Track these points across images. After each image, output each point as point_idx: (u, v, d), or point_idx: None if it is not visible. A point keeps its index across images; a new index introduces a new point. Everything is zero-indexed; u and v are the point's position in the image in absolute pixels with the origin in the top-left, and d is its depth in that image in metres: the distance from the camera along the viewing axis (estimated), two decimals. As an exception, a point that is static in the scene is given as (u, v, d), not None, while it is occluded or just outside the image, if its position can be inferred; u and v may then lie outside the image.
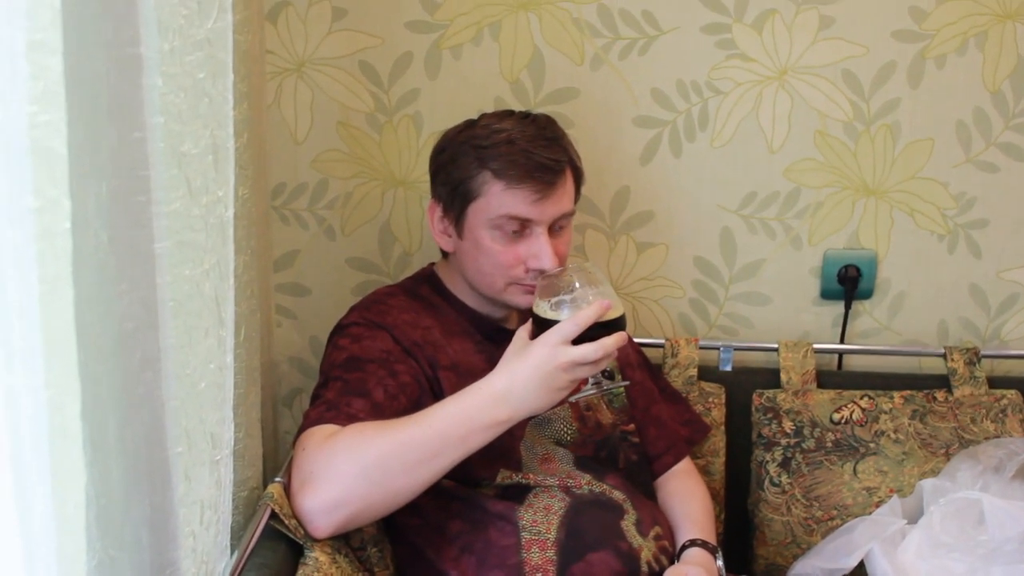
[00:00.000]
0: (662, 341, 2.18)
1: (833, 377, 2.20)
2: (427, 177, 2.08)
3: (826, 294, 2.25)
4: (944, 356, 2.18)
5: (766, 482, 2.09)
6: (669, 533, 1.80)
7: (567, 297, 1.52)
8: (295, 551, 1.52)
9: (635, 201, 2.19)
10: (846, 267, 2.22)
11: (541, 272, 1.66)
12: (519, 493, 1.70)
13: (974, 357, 2.16)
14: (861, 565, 1.90)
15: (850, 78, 2.12)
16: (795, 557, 2.01)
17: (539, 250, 1.69)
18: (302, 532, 1.50)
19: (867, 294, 2.25)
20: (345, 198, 2.18)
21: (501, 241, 1.70)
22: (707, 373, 2.18)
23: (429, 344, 1.73)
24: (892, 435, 2.09)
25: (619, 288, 2.24)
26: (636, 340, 2.11)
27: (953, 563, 1.88)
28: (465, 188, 1.71)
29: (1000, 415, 2.10)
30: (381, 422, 1.52)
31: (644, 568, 1.68)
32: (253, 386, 1.56)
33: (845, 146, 2.16)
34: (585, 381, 1.52)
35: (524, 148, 1.68)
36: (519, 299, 1.74)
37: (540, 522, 1.67)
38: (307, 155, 2.15)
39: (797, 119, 2.14)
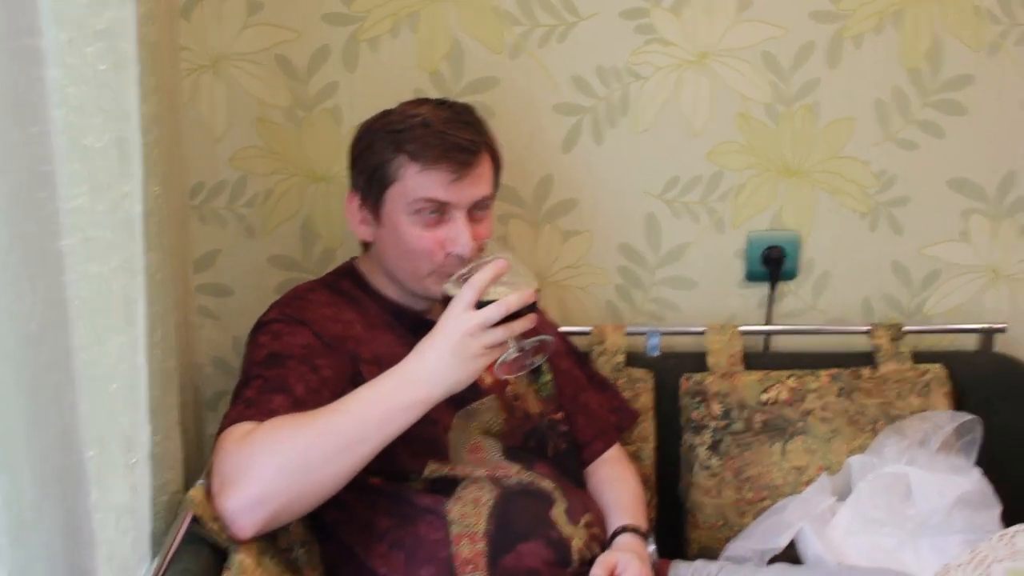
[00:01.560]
0: (589, 329, 2.17)
1: (760, 358, 2.21)
2: (347, 172, 2.07)
3: (751, 276, 2.25)
4: (868, 333, 2.20)
5: (696, 466, 2.09)
6: (600, 520, 1.79)
7: (467, 268, 1.51)
8: (219, 556, 1.48)
9: (558, 189, 2.18)
10: (770, 248, 2.22)
11: (459, 258, 1.65)
12: (447, 486, 1.68)
13: (898, 333, 2.18)
14: (792, 544, 1.91)
15: (770, 60, 2.13)
16: (728, 539, 2.01)
17: (457, 234, 1.68)
18: (225, 535, 1.47)
19: (791, 275, 2.26)
20: (265, 195, 2.14)
21: (420, 226, 1.69)
22: (635, 359, 2.17)
23: (351, 338, 1.71)
24: (820, 413, 2.10)
25: (544, 277, 2.23)
26: (563, 329, 2.10)
27: (883, 538, 1.90)
28: (381, 173, 1.70)
29: (925, 389, 2.12)
30: (298, 415, 1.50)
31: (575, 556, 1.67)
32: (170, 388, 1.52)
33: (766, 127, 2.16)
34: (505, 348, 1.49)
35: (439, 130, 1.68)
36: (439, 288, 1.70)
37: (469, 515, 1.65)
38: (225, 152, 2.12)
39: (718, 102, 2.14)
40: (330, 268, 2.11)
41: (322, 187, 2.14)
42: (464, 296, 1.45)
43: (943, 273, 2.28)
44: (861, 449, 2.06)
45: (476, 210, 1.72)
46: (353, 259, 1.89)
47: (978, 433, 2.01)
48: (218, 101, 2.08)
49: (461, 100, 2.02)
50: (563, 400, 1.92)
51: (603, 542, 1.75)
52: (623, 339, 2.16)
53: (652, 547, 1.77)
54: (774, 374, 2.14)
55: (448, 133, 1.68)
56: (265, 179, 2.14)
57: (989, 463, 2.00)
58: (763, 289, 2.26)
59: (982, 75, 2.16)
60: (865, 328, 2.21)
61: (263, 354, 1.66)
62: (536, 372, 1.88)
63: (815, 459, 2.07)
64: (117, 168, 1.21)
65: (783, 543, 1.90)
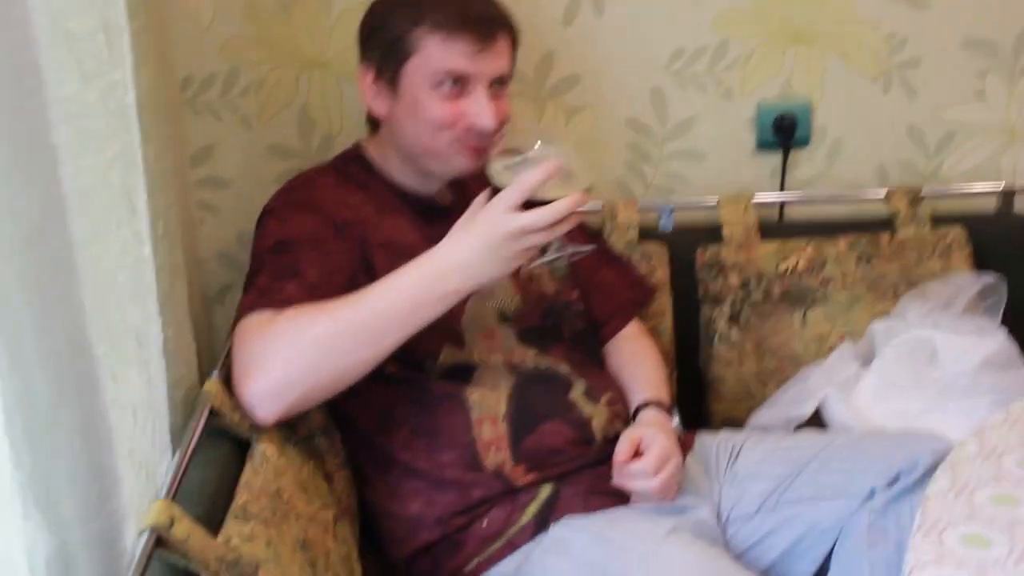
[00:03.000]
0: (599, 206, 2.12)
1: (776, 228, 2.17)
2: (343, 56, 2.02)
3: (762, 145, 2.20)
4: (885, 198, 2.15)
5: (716, 338, 2.07)
6: (621, 398, 1.77)
7: (520, 158, 1.45)
8: (240, 447, 1.47)
9: (560, 65, 2.12)
10: (781, 116, 2.16)
11: (481, 131, 1.62)
12: (464, 373, 1.67)
13: (915, 197, 2.14)
14: (818, 412, 1.90)
15: (774, -82, 2.05)
16: (750, 410, 2.00)
17: (480, 107, 1.62)
18: (246, 425, 1.45)
19: (804, 142, 2.21)
20: (258, 84, 2.08)
21: (440, 98, 1.62)
22: (648, 234, 2.13)
23: (360, 222, 1.67)
24: (839, 281, 2.07)
25: (552, 156, 2.18)
26: (573, 207, 2.05)
27: (908, 403, 1.89)
28: (400, 46, 1.63)
29: (945, 252, 2.09)
30: (322, 303, 1.46)
31: (598, 434, 1.67)
32: (178, 281, 1.48)
33: (771, -11, 2.09)
34: (545, 249, 1.45)
35: (460, 1, 1.63)
36: (462, 160, 1.67)
37: (488, 398, 1.64)
38: (214, 42, 2.04)
39: (721, -35, 2.07)
40: (331, 155, 2.06)
41: (317, 74, 2.08)
42: (511, 196, 1.38)
43: (959, 135, 2.23)
44: (882, 315, 2.03)
45: (496, 85, 1.66)
46: (359, 142, 1.83)
47: (1002, 294, 1.99)
48: (204, -12, 2.01)
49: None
50: (579, 279, 1.88)
51: (626, 419, 1.73)
52: (635, 214, 2.11)
53: (676, 420, 1.75)
54: (791, 243, 2.10)
55: (469, 4, 1.62)
56: (257, 68, 2.07)
57: (1013, 323, 1.98)
58: (775, 158, 2.21)
59: (997, -74, 2.08)
60: (882, 193, 2.16)
61: (271, 241, 1.62)
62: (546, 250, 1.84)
63: (836, 327, 2.05)
64: (105, 54, 1.15)
65: (808, 411, 1.89)
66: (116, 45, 1.18)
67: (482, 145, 1.64)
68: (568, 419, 1.66)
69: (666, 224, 2.14)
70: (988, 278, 1.99)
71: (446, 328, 1.64)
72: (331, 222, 1.64)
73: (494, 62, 1.63)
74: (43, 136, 1.07)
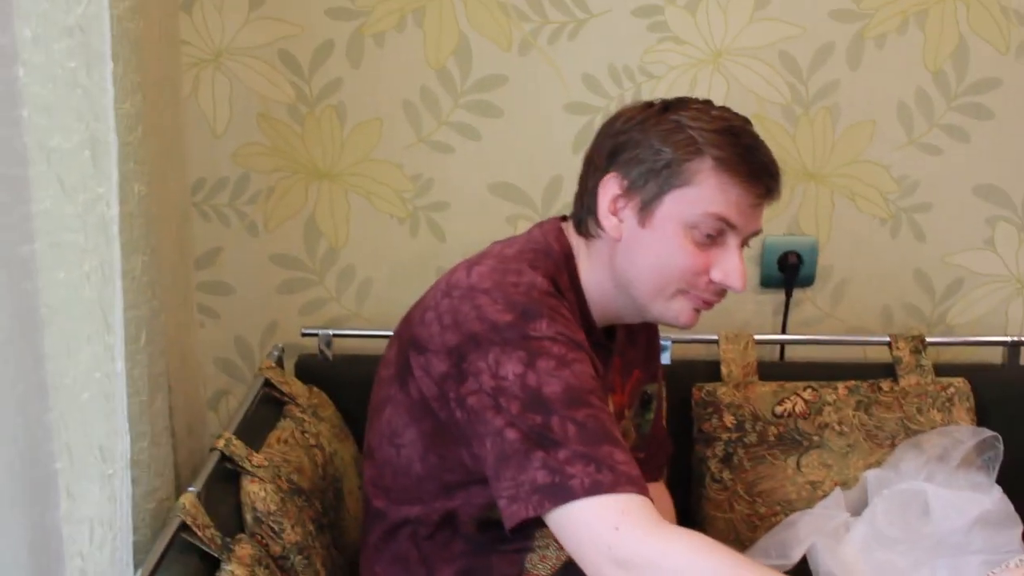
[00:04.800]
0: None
1: (775, 368, 2.15)
2: (353, 169, 2.04)
3: (766, 282, 2.19)
4: (889, 344, 2.12)
5: (707, 479, 2.03)
6: None
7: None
8: (210, 565, 1.44)
9: (568, 190, 2.10)
10: (786, 254, 2.16)
11: (723, 289, 1.47)
12: (526, 538, 1.52)
13: (920, 344, 2.11)
14: (804, 560, 1.85)
15: (787, 60, 2.06)
16: (739, 554, 1.95)
17: (732, 266, 1.44)
18: (218, 543, 1.43)
19: (808, 281, 2.19)
20: (268, 192, 2.10)
21: (693, 241, 1.42)
22: (645, 367, 2.11)
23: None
24: (836, 427, 2.03)
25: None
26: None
27: (898, 556, 1.84)
28: (672, 170, 1.41)
29: (947, 404, 2.05)
30: (738, 558, 1.23)
31: None
32: (159, 392, 1.48)
33: (783, 130, 2.10)
34: None
35: (749, 143, 1.44)
36: (683, 313, 1.48)
37: (537, 564, 1.52)
38: (227, 149, 2.08)
39: (733, 103, 2.01)
40: (333, 268, 2.12)
41: (325, 185, 2.10)
42: None
43: (967, 282, 2.21)
44: (878, 465, 1.99)
45: (745, 244, 1.49)
46: (564, 238, 1.55)
47: (1000, 450, 1.94)
48: (220, 96, 2.04)
49: (468, 99, 1.98)
50: (652, 440, 1.77)
51: None
52: (633, 347, 2.09)
53: None
54: (789, 385, 2.07)
55: (758, 149, 1.44)
56: (267, 176, 2.09)
57: (1012, 481, 1.93)
58: (779, 296, 2.20)
59: (1009, 78, 2.08)
60: (885, 339, 2.13)
61: (558, 387, 1.30)
62: (646, 407, 1.74)
63: (831, 474, 2.01)
64: (90, 169, 1.16)
65: (795, 558, 1.84)
66: (102, 160, 1.19)
67: (712, 302, 1.49)
68: None
69: (664, 358, 2.12)
70: (986, 433, 1.95)
71: None
72: (593, 363, 1.40)
73: (759, 219, 1.48)
74: (16, 248, 1.08)
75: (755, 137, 1.46)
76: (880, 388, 2.07)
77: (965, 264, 2.20)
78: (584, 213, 1.51)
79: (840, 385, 2.07)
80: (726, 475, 2.02)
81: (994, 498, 1.87)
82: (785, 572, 1.83)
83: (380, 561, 1.58)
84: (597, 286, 1.51)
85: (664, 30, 2.03)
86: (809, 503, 1.99)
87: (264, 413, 1.85)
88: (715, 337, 2.12)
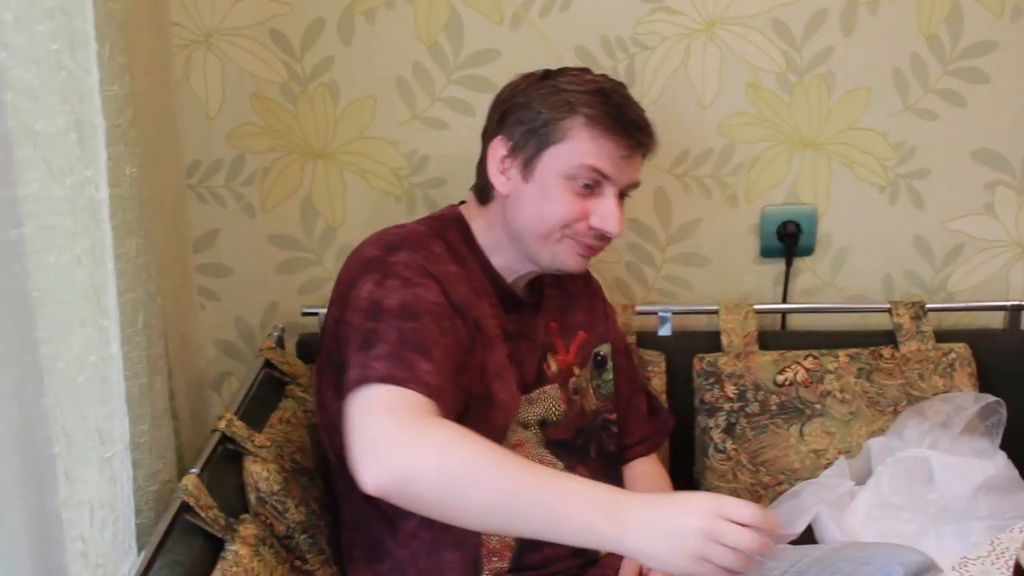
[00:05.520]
0: (598, 308, 2.10)
1: (776, 338, 2.14)
2: (348, 148, 2.03)
3: (766, 252, 2.18)
4: (889, 311, 2.12)
5: (711, 449, 2.03)
6: None
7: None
8: (214, 546, 1.45)
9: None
10: (785, 223, 2.15)
11: (601, 234, 1.60)
12: None
13: (920, 311, 2.10)
14: (809, 529, 1.85)
15: (781, 27, 2.04)
16: (742, 525, 1.95)
17: (608, 212, 1.59)
18: (221, 523, 1.43)
19: (808, 250, 2.18)
20: (263, 173, 2.09)
21: (572, 192, 1.58)
22: (646, 339, 2.11)
23: (473, 305, 1.58)
24: (838, 395, 2.03)
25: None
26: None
27: (903, 524, 1.85)
28: (548, 130, 1.58)
29: (948, 370, 2.05)
30: (498, 449, 1.31)
31: (603, 552, 1.63)
32: (158, 375, 1.48)
33: (779, 98, 2.08)
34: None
35: (618, 102, 1.60)
36: (569, 257, 1.62)
37: None
38: (221, 130, 2.06)
39: (728, 72, 2.06)
40: (331, 247, 2.11)
41: (321, 164, 2.09)
42: (740, 510, 1.21)
43: (967, 248, 2.20)
44: (881, 432, 2.00)
45: (624, 195, 1.64)
46: (458, 209, 1.73)
47: (1003, 415, 1.94)
48: (212, 77, 2.02)
49: (461, 74, 1.97)
50: (618, 400, 1.84)
51: None
52: (633, 318, 2.09)
53: None
54: (790, 354, 2.07)
55: (627, 107, 1.61)
56: (263, 157, 2.08)
57: (1016, 446, 1.93)
58: (779, 266, 2.19)
59: (1005, 41, 2.06)
60: (886, 306, 2.13)
61: (395, 301, 1.47)
62: (601, 367, 1.81)
63: (834, 442, 2.00)
64: (77, 152, 1.16)
65: (800, 528, 1.85)
66: (89, 143, 1.18)
67: (595, 247, 1.63)
68: None
69: (664, 329, 2.12)
70: (989, 398, 1.94)
71: (499, 430, 1.61)
72: (451, 298, 1.54)
73: (633, 171, 1.63)
74: (5, 233, 1.07)
75: (626, 98, 1.63)
76: (881, 355, 2.07)
77: (965, 230, 2.19)
78: (480, 179, 1.68)
79: (841, 353, 2.07)
80: (729, 445, 2.02)
81: (998, 464, 1.88)
82: (791, 542, 1.83)
83: (347, 533, 1.67)
84: (496, 243, 1.66)
85: (656, 0, 2.02)
86: (812, 471, 1.99)
87: (266, 393, 1.85)
88: (715, 308, 2.12)
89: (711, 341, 2.11)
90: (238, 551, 1.44)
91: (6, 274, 1.06)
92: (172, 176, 1.88)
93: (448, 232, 1.66)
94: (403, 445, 1.27)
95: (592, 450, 1.76)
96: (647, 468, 1.87)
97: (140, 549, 1.37)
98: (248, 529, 1.50)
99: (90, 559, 1.24)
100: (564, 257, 1.62)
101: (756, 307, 2.12)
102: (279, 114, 2.05)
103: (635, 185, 1.65)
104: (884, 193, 2.16)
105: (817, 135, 2.11)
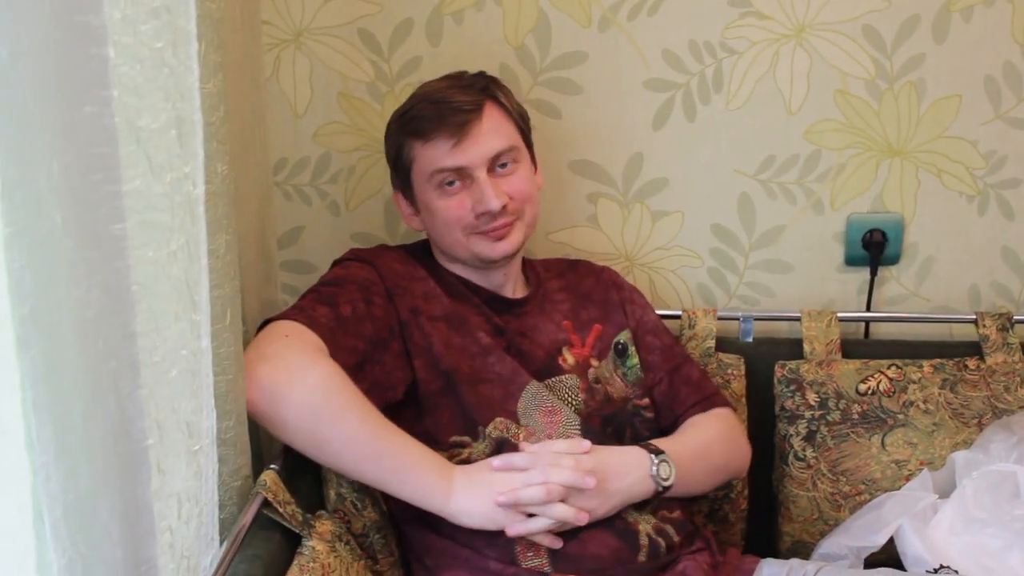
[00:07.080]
0: (679, 312, 2.09)
1: (859, 346, 2.11)
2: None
3: (851, 260, 2.16)
4: (975, 322, 2.08)
5: (790, 456, 2.01)
6: (674, 505, 1.73)
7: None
8: (292, 541, 1.47)
9: (648, 168, 2.10)
10: (871, 231, 2.12)
11: (491, 214, 1.70)
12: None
13: (1007, 323, 2.06)
14: (891, 542, 1.82)
15: (871, 34, 2.02)
16: (822, 534, 1.94)
17: (480, 194, 1.70)
18: (299, 519, 1.45)
19: (894, 259, 2.16)
20: (348, 172, 2.11)
21: (445, 197, 1.72)
22: (726, 344, 2.09)
23: (420, 296, 1.74)
24: (921, 405, 2.00)
25: (633, 259, 2.17)
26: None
27: (988, 539, 1.80)
28: (401, 161, 1.76)
29: (1035, 383, 2.01)
30: (357, 394, 1.53)
31: (644, 541, 1.63)
32: (242, 371, 1.49)
33: (867, 105, 2.06)
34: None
35: (435, 100, 1.72)
36: (484, 248, 1.74)
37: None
38: (308, 128, 2.09)
39: (816, 78, 2.04)
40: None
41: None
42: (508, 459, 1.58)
43: (1057, 260, 2.16)
44: (965, 444, 1.96)
45: (498, 166, 1.73)
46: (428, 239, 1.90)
47: (1091, 431, 1.89)
48: (300, 76, 2.05)
49: (547, 76, 1.98)
50: (658, 375, 1.88)
51: (677, 527, 1.70)
52: (714, 323, 2.08)
53: (658, 469, 1.67)
54: (873, 363, 2.04)
55: (443, 101, 1.70)
56: (348, 155, 2.10)
57: (1103, 463, 1.89)
58: (863, 274, 2.16)
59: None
60: (971, 317, 2.10)
61: (328, 277, 1.73)
62: (623, 355, 1.84)
63: (916, 453, 1.97)
64: (177, 149, 1.17)
65: (881, 541, 1.82)
66: (188, 139, 1.20)
67: (498, 226, 1.72)
68: (613, 527, 1.62)
69: (746, 335, 2.10)
70: (1078, 413, 1.91)
71: (501, 401, 1.70)
72: (385, 282, 1.72)
73: (480, 147, 1.70)
74: (106, 228, 1.09)
75: (446, 90, 1.73)
76: (966, 366, 2.03)
77: (1055, 241, 2.15)
78: None
79: (925, 363, 2.03)
80: (809, 453, 2.00)
81: (1086, 480, 1.83)
82: (872, 555, 1.81)
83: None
84: (446, 259, 1.83)
85: (746, 4, 2.00)
86: (894, 482, 1.96)
87: (347, 390, 1.86)
88: (798, 315, 2.10)
89: (793, 348, 2.09)
90: (315, 547, 1.45)
91: (109, 269, 1.08)
92: (259, 173, 1.91)
93: (419, 252, 1.86)
94: (286, 370, 1.48)
95: (626, 437, 1.78)
96: (697, 418, 1.87)
97: (222, 542, 1.39)
98: (325, 525, 1.52)
99: (176, 550, 1.25)
100: (480, 249, 1.74)
101: (839, 315, 2.10)
102: (365, 113, 2.07)
103: (502, 153, 1.73)
104: (973, 203, 2.12)
105: (906, 143, 2.08)
